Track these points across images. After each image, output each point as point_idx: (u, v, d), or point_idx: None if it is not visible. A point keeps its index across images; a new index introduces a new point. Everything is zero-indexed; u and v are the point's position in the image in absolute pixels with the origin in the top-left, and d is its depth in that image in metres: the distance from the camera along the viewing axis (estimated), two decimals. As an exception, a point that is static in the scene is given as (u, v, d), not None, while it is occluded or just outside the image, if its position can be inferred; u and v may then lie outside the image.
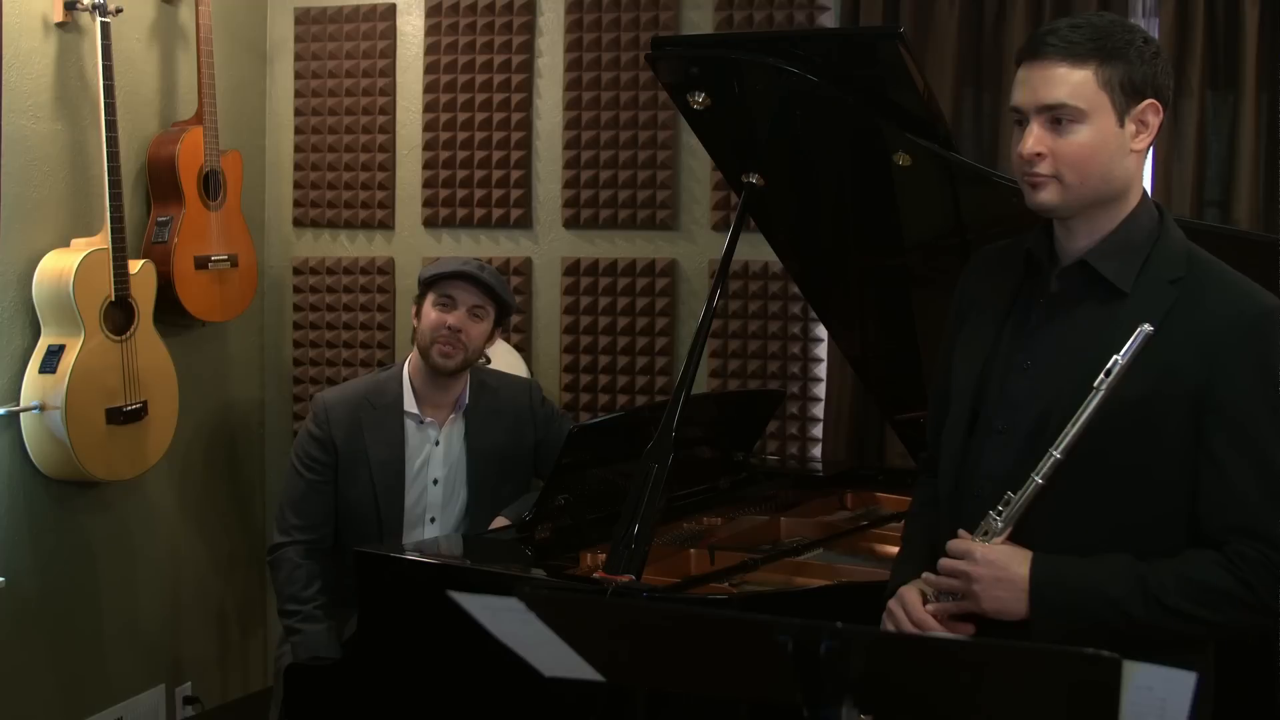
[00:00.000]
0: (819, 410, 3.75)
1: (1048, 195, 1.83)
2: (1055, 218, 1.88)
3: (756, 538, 2.95)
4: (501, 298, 3.12)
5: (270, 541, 3.15)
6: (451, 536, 3.10)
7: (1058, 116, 1.80)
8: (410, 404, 3.13)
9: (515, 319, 3.96)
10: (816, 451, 3.76)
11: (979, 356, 1.95)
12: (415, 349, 3.14)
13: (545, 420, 3.25)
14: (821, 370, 3.75)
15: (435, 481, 3.13)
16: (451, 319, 3.06)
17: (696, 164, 3.83)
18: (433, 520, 3.13)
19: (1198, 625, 1.76)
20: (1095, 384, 1.73)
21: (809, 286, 3.26)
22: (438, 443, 3.14)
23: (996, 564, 1.80)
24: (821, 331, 3.71)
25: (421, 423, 3.13)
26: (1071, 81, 1.79)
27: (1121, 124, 1.81)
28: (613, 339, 3.92)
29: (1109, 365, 1.73)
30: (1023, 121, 1.84)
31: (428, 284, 3.12)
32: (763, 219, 3.03)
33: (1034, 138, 1.81)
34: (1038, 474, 1.77)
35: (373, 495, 3.08)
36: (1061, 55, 1.79)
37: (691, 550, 2.78)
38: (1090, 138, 1.80)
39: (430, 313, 3.09)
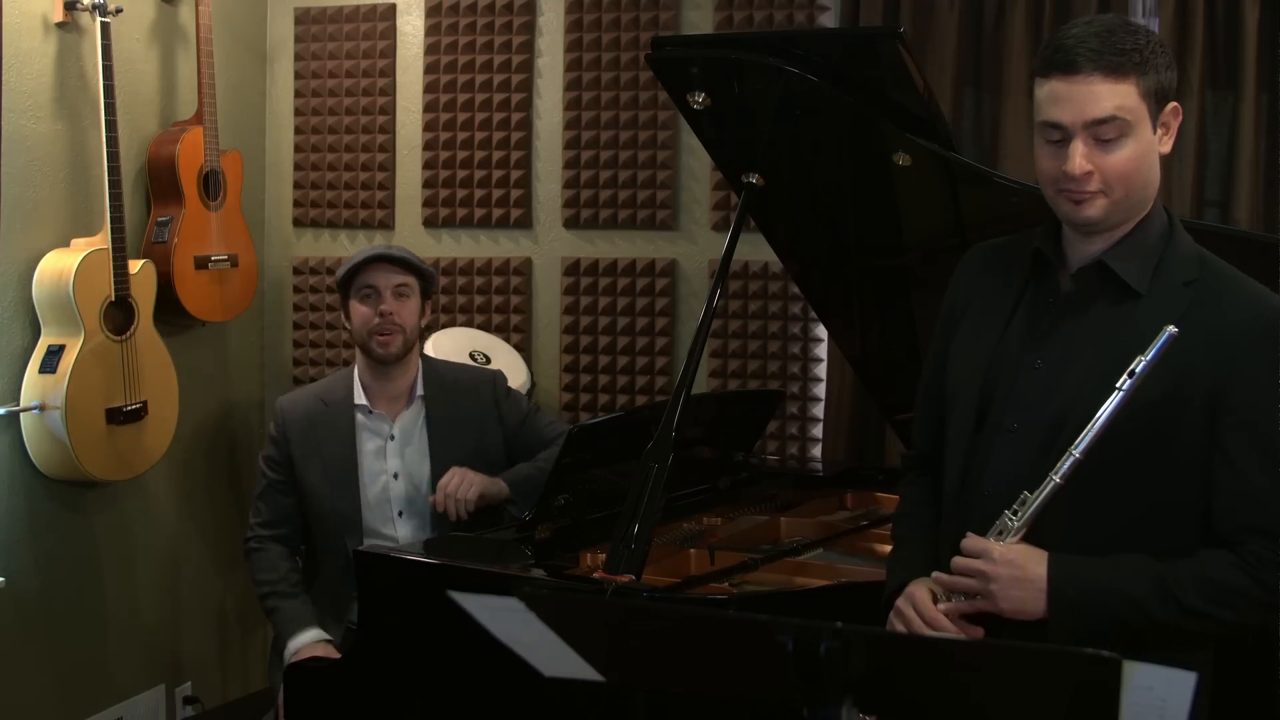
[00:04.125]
0: (819, 410, 3.75)
1: (1094, 211, 1.81)
2: (1096, 232, 1.85)
3: (756, 538, 2.95)
4: (419, 268, 3.13)
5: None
6: (452, 536, 3.10)
7: (1104, 134, 1.77)
8: (360, 398, 3.15)
9: (515, 319, 3.96)
10: (816, 451, 3.76)
11: (983, 355, 1.94)
12: (357, 349, 3.16)
13: (511, 411, 3.21)
14: (821, 370, 3.75)
15: (395, 476, 3.12)
16: (380, 306, 3.07)
17: (696, 164, 3.83)
18: (400, 514, 3.12)
19: (1215, 625, 1.77)
20: (1118, 384, 1.72)
21: (809, 286, 3.26)
22: (393, 436, 3.13)
23: (1015, 563, 1.78)
24: (821, 331, 3.71)
25: (370, 413, 3.13)
26: (1118, 94, 1.76)
27: (1154, 130, 1.81)
28: (613, 339, 3.91)
29: (1133, 366, 1.72)
30: (1065, 140, 1.79)
31: (345, 283, 3.12)
32: (763, 219, 3.03)
33: (1081, 155, 1.78)
34: (1056, 473, 1.75)
35: (328, 489, 3.09)
36: (1102, 69, 1.76)
37: (691, 550, 2.78)
38: (1135, 150, 1.79)
39: (358, 309, 3.10)
